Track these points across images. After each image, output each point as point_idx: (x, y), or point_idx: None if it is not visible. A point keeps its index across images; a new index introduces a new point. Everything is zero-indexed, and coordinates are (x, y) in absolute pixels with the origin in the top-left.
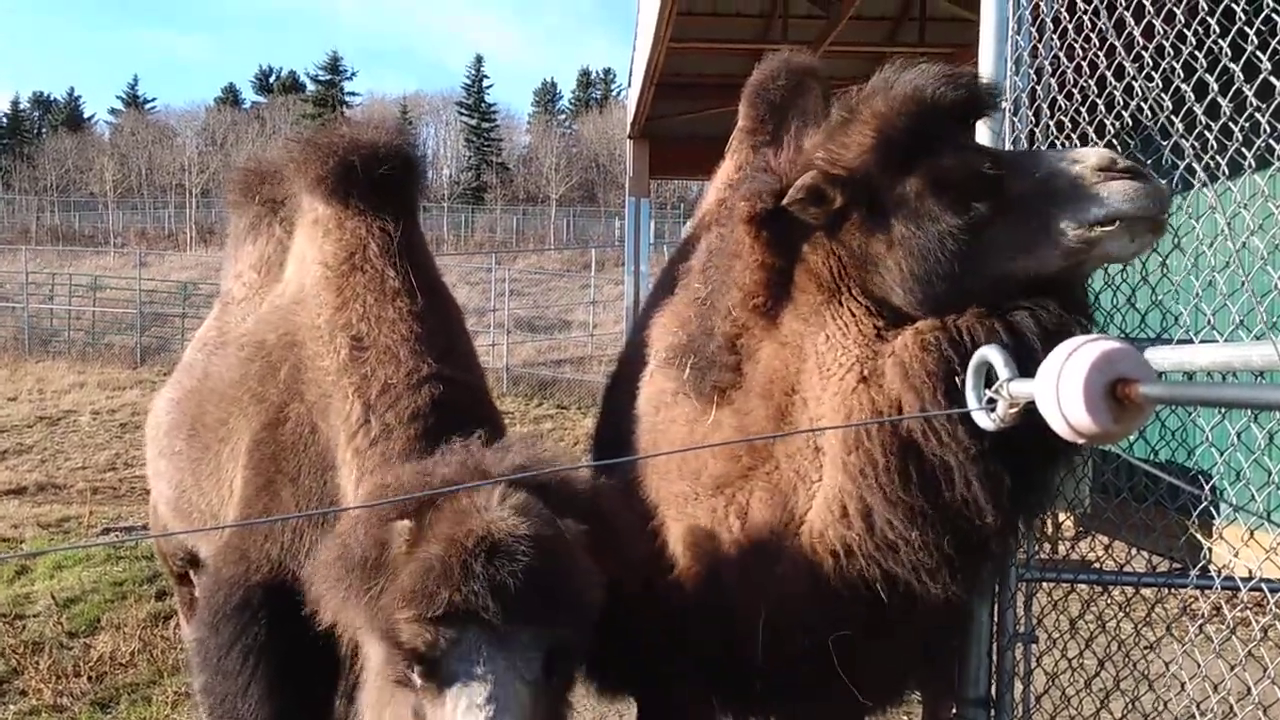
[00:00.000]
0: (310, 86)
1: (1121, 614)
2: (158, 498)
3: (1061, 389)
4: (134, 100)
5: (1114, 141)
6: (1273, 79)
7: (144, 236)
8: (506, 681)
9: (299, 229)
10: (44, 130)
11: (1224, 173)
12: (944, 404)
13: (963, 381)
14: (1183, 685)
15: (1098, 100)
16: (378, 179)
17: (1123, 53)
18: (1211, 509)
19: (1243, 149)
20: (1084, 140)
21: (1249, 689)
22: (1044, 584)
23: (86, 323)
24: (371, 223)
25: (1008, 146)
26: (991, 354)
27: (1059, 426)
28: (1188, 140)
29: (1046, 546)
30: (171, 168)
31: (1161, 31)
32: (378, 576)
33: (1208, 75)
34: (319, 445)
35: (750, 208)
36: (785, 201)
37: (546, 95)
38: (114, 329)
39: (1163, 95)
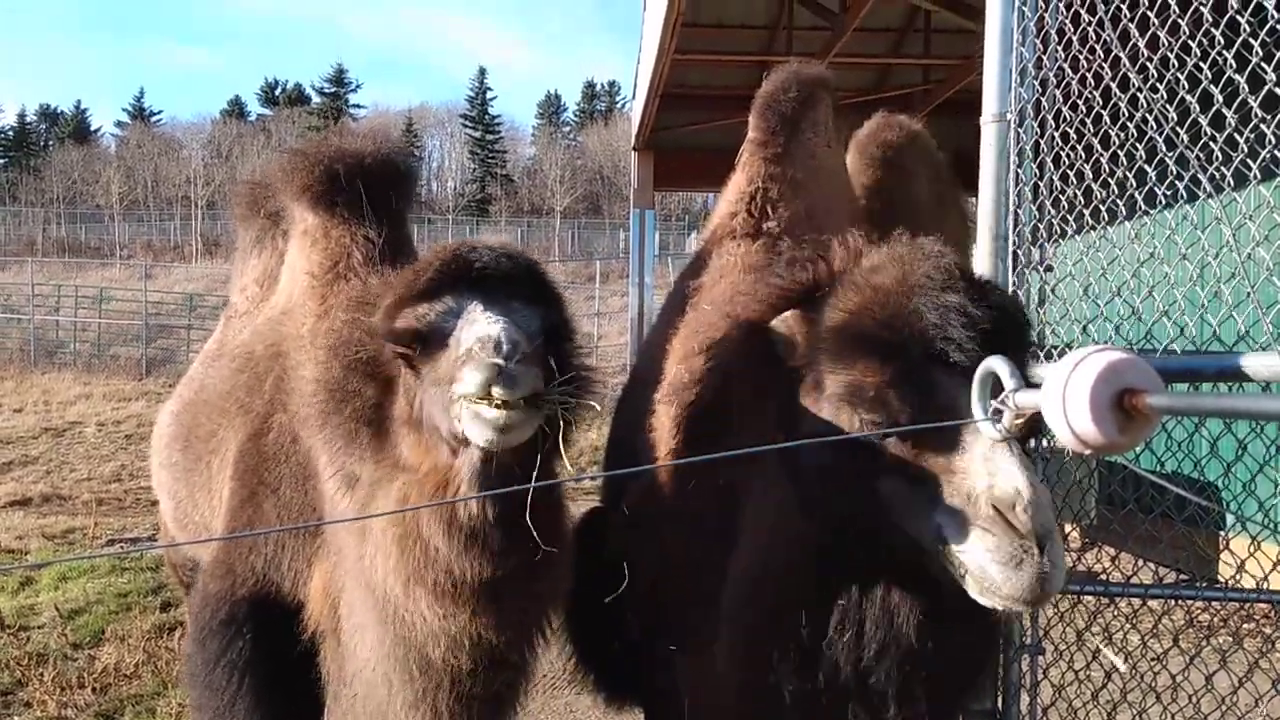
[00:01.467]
0: (315, 99)
1: (1128, 625)
2: (162, 509)
3: (1068, 399)
4: (140, 113)
5: (1118, 154)
6: (1278, 90)
7: (150, 248)
8: (504, 313)
9: (291, 239)
10: (50, 143)
11: (1229, 184)
12: None
13: None
14: (1190, 697)
15: (1103, 112)
16: (363, 187)
17: (1127, 64)
18: (1218, 520)
19: (1248, 160)
20: (1088, 152)
21: (1257, 700)
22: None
23: (92, 334)
24: (356, 231)
25: (1013, 158)
26: (997, 365)
27: (1065, 437)
28: (1193, 151)
29: None
30: (177, 180)
31: (1166, 43)
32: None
33: (1212, 87)
34: (300, 455)
35: None
36: None
37: (551, 107)
38: (119, 341)
39: (1167, 107)
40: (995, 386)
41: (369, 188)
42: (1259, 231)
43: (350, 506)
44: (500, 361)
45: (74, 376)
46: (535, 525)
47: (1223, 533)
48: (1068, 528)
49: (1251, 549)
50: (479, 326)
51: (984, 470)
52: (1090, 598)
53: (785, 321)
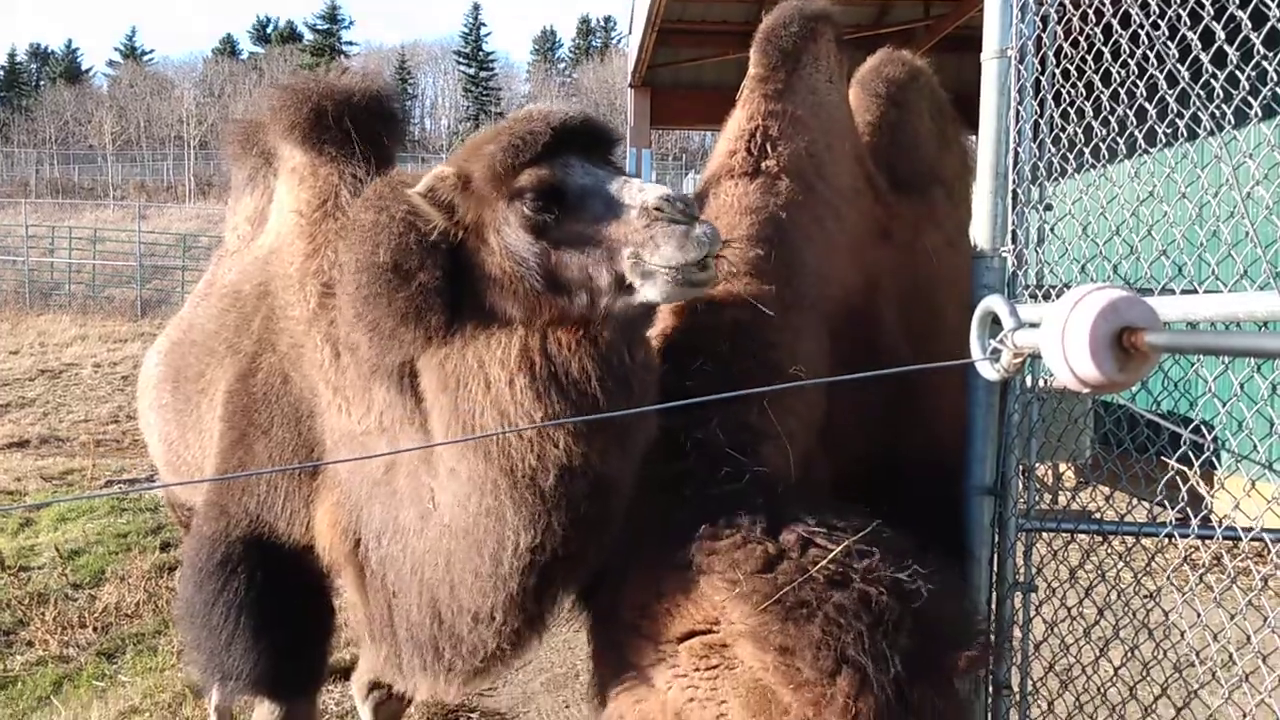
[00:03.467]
0: (308, 36)
1: (1121, 563)
2: (152, 451)
3: (1067, 338)
4: (132, 52)
5: (1118, 91)
6: None
7: (143, 189)
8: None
9: (280, 178)
10: (42, 82)
11: (1230, 122)
12: None
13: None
14: (1182, 634)
15: (1103, 48)
16: (350, 125)
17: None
18: (1214, 459)
19: (1249, 98)
20: (1089, 89)
21: (1249, 638)
22: (1044, 534)
23: (87, 276)
24: (344, 169)
25: (1013, 95)
26: (996, 304)
27: (1064, 376)
28: (1194, 89)
29: (1047, 497)
30: (170, 119)
31: None
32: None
33: (1214, 23)
34: (292, 396)
35: None
36: None
37: (546, 43)
38: (114, 282)
39: (1169, 43)
40: (994, 326)
41: (357, 125)
42: (1259, 170)
43: (403, 398)
44: (694, 224)
45: (70, 318)
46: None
47: (1218, 472)
48: (1062, 467)
49: (1246, 488)
50: (652, 190)
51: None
52: (1084, 536)
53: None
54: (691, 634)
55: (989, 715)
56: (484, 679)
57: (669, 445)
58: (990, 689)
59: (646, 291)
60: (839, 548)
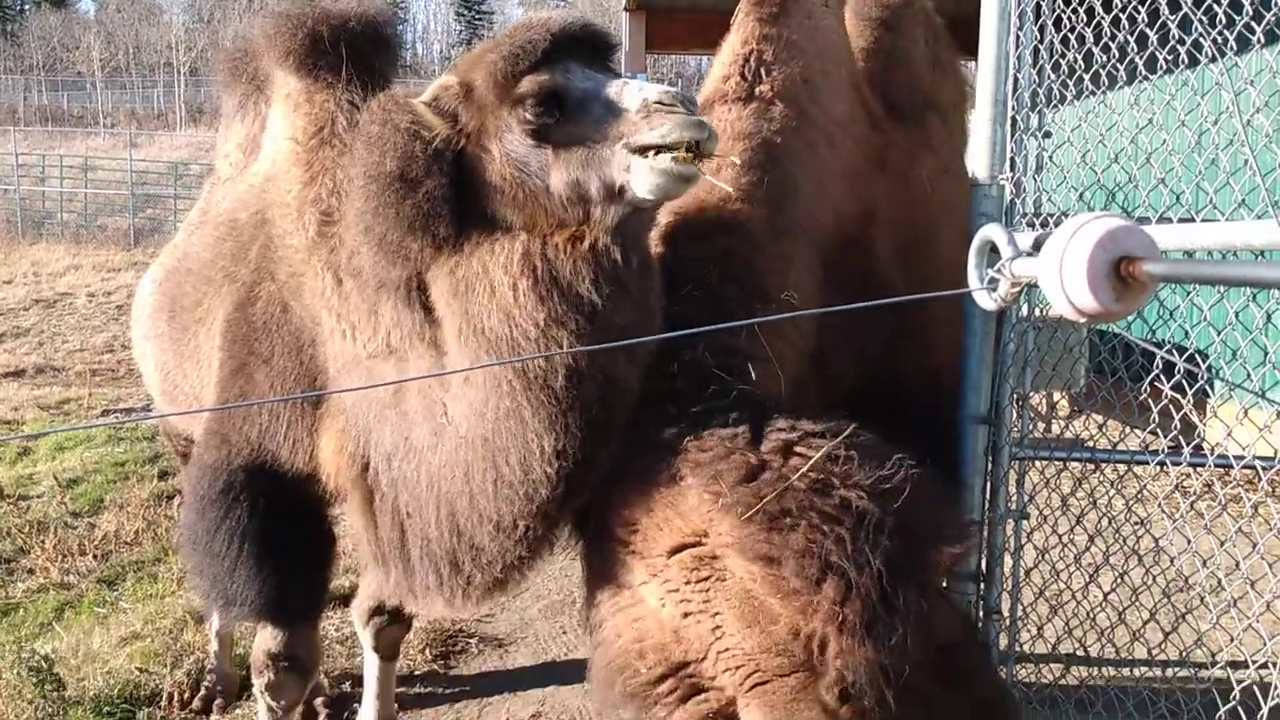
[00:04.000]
0: None
1: (1113, 491)
2: (148, 381)
3: (1065, 267)
4: None
5: (1120, 17)
6: None
7: (133, 116)
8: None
9: (274, 105)
10: (27, 7)
11: (1231, 48)
12: None
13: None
14: (1172, 560)
15: None
16: (346, 51)
17: None
18: (1207, 388)
19: (1251, 24)
20: (1090, 15)
21: (1237, 564)
22: (1036, 462)
23: (79, 205)
24: (340, 96)
25: (1014, 20)
26: (994, 232)
27: (1061, 305)
28: (1195, 14)
29: (1040, 425)
30: (159, 46)
31: None
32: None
33: None
34: (292, 325)
35: None
36: None
37: None
38: (107, 211)
39: None
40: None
41: (353, 51)
42: (1259, 97)
43: (411, 313)
44: (694, 115)
45: (63, 247)
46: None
47: (1211, 400)
48: (1056, 396)
49: (1239, 416)
50: (653, 87)
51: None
52: (1076, 464)
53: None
54: (681, 547)
55: (979, 640)
56: (498, 594)
57: (657, 366)
58: (981, 614)
59: (637, 186)
60: (819, 454)
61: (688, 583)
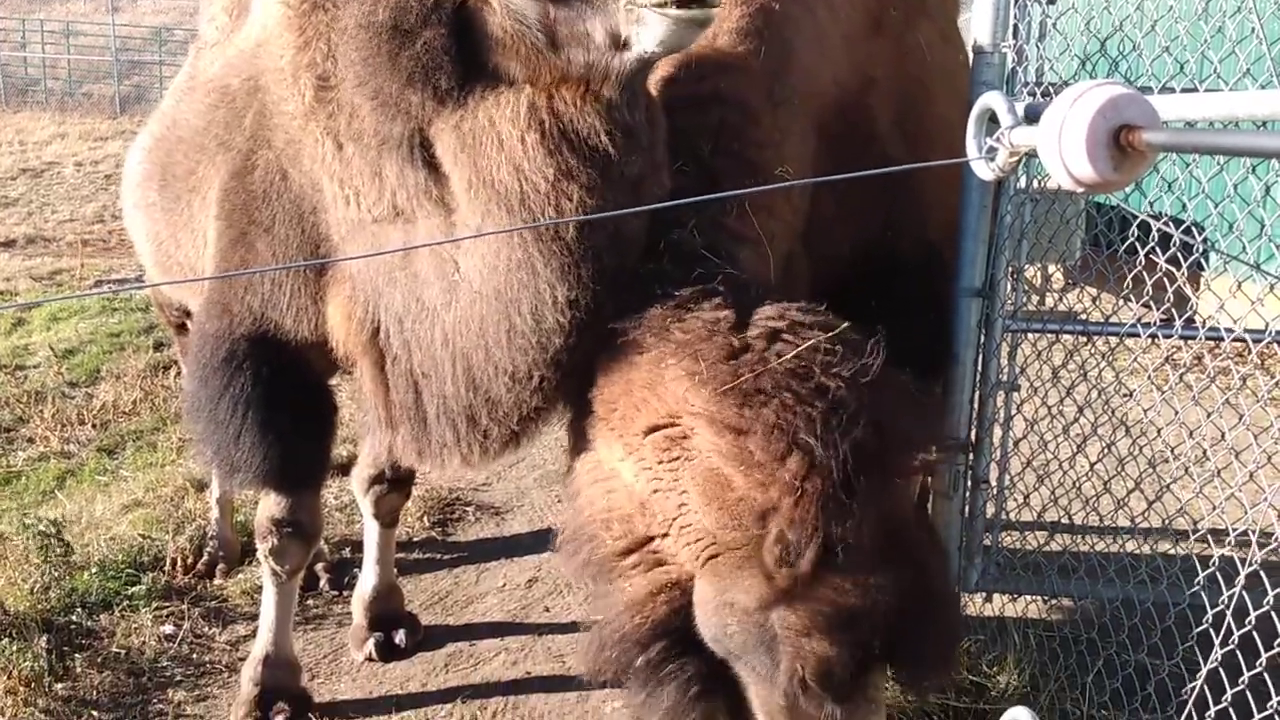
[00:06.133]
0: None
1: (1104, 363)
2: (139, 250)
3: (1064, 136)
4: None
5: None
6: None
7: None
8: None
9: None
10: None
11: None
12: None
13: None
14: (1159, 431)
15: None
16: None
17: None
18: (1202, 260)
19: None
20: None
21: (1223, 435)
22: (1029, 335)
23: (62, 72)
24: None
25: None
26: (994, 100)
27: (1059, 175)
28: None
29: (1034, 298)
30: None
31: None
32: None
33: None
34: (292, 193)
35: None
36: None
37: None
38: (91, 78)
39: None
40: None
41: None
42: None
43: (416, 171)
44: None
45: (48, 116)
46: None
47: (1205, 273)
48: (1051, 268)
49: (1232, 289)
50: None
51: None
52: (1068, 337)
53: None
54: (656, 428)
55: (967, 508)
56: (512, 449)
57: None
58: (969, 484)
59: (645, 37)
60: (804, 344)
61: (660, 462)
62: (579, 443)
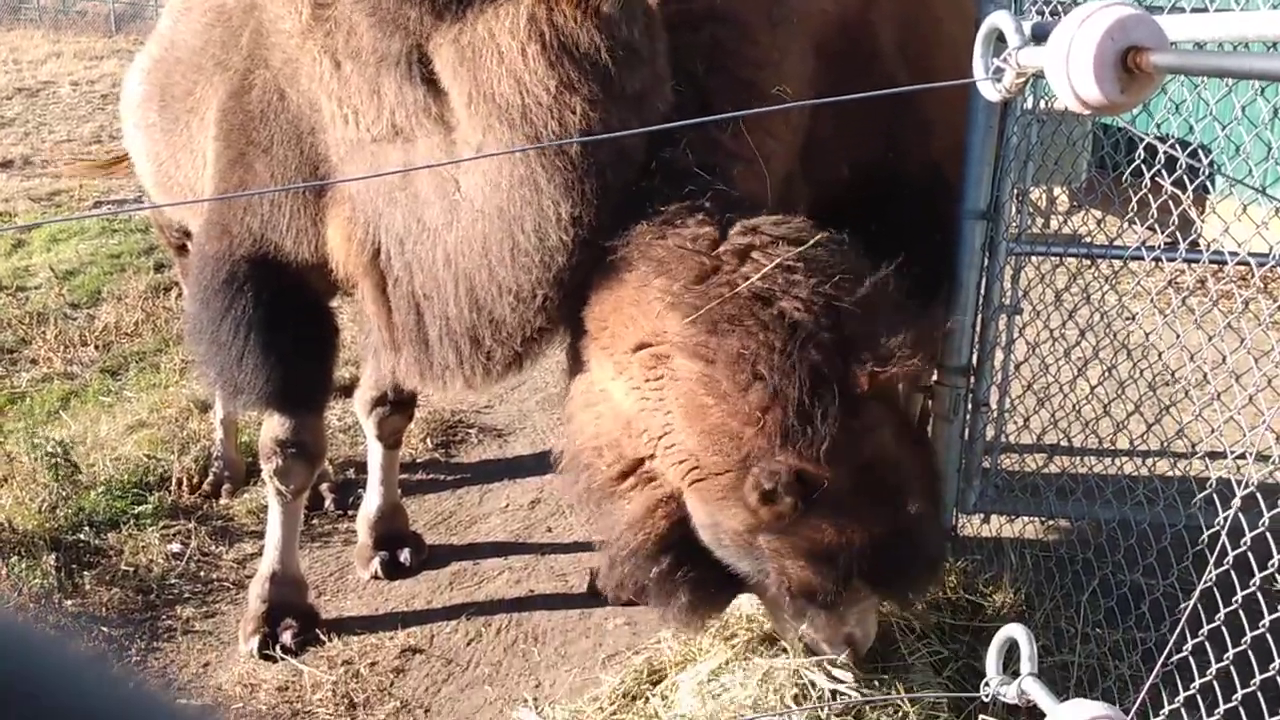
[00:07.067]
0: None
1: (1107, 287)
2: (139, 171)
3: (1071, 57)
4: None
5: None
6: None
7: None
8: None
9: None
10: None
11: None
12: None
13: None
14: (1160, 354)
15: None
16: None
17: None
18: (1208, 183)
19: None
20: None
21: (1224, 358)
22: (1032, 258)
23: None
24: None
25: None
26: (1001, 20)
27: (1066, 97)
28: None
29: (1039, 221)
30: None
31: None
32: None
33: None
34: (290, 112)
35: None
36: None
37: None
38: None
39: None
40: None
41: None
42: None
43: (415, 88)
44: None
45: (41, 34)
46: None
47: (1211, 196)
48: (1056, 190)
49: (1238, 212)
50: None
51: None
52: (1072, 260)
53: None
54: (642, 345)
55: (966, 431)
56: (514, 371)
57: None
58: (969, 407)
59: None
60: (771, 265)
61: (646, 380)
62: (574, 365)
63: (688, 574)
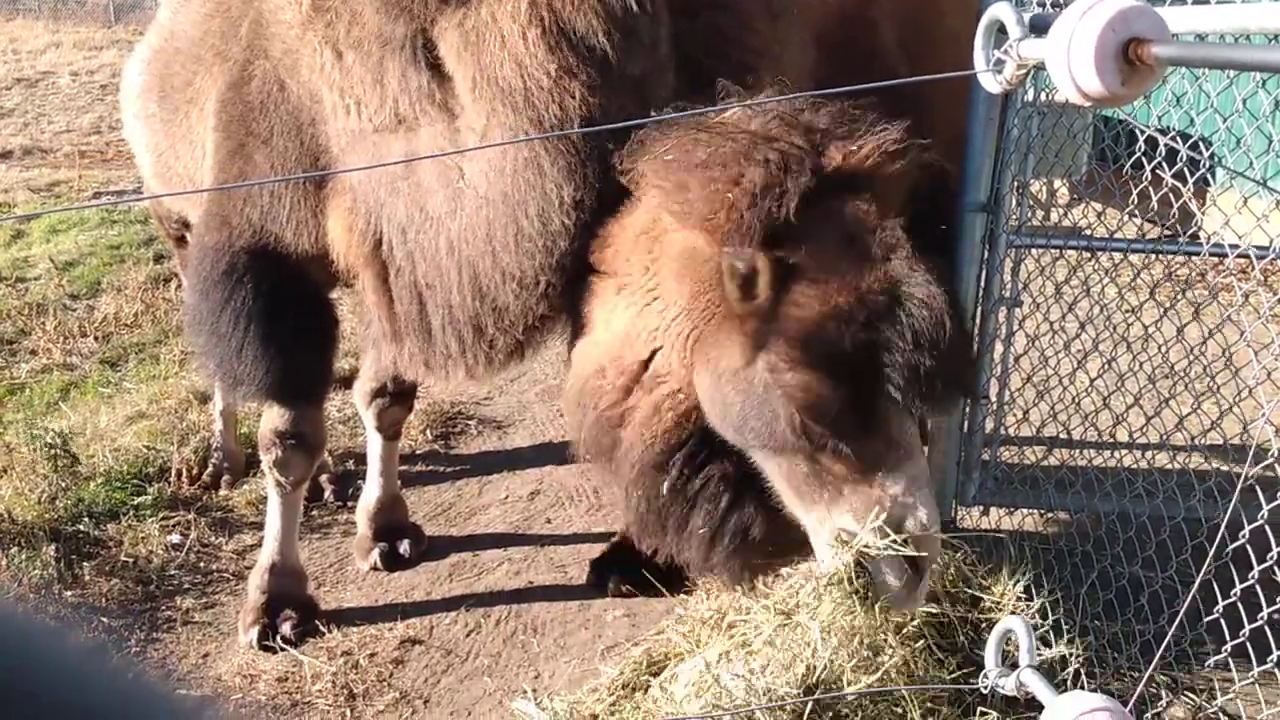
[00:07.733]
0: None
1: (1107, 279)
2: (140, 162)
3: (1073, 49)
4: None
5: None
6: None
7: None
8: None
9: None
10: None
11: None
12: None
13: None
14: (1159, 347)
15: None
16: None
17: None
18: (1208, 176)
19: None
20: None
21: (1224, 351)
22: (1033, 250)
23: None
24: None
25: None
26: (1003, 12)
27: (1067, 89)
28: None
29: (1039, 213)
30: None
31: None
32: None
33: None
34: (290, 103)
35: None
36: None
37: None
38: None
39: None
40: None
41: None
42: None
43: (419, 74)
44: None
45: (41, 24)
46: None
47: (1211, 189)
48: (1057, 183)
49: (1238, 205)
50: None
51: None
52: (1072, 253)
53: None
54: (640, 234)
55: (966, 423)
56: (516, 360)
57: None
58: (968, 399)
59: None
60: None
61: (644, 271)
62: (572, 309)
63: (703, 483)
